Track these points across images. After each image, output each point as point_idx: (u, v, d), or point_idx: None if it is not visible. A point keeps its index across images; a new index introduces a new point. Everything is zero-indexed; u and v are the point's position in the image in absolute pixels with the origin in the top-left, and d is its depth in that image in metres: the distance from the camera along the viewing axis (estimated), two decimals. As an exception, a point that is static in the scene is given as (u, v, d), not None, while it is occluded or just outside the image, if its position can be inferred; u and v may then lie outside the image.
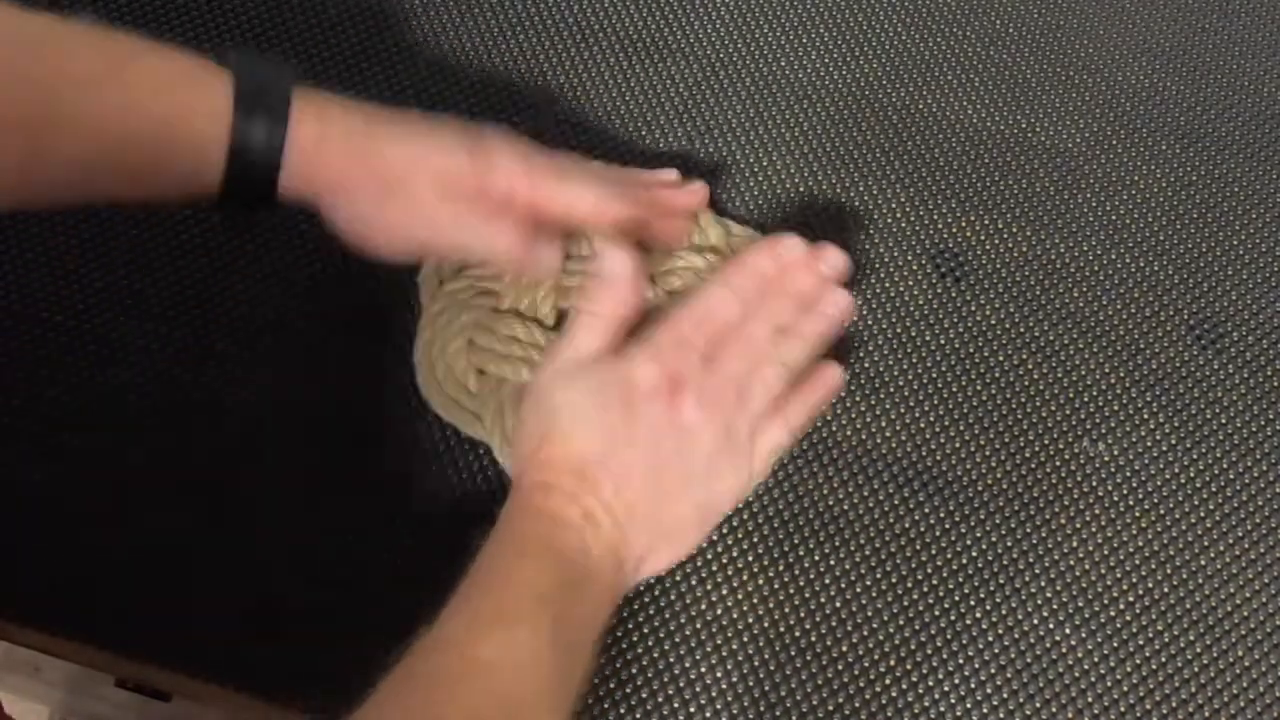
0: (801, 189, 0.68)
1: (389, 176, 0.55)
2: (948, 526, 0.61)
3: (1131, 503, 0.62)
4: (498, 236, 0.57)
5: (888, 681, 0.58)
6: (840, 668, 0.58)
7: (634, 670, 0.58)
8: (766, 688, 0.58)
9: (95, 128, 0.52)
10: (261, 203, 0.55)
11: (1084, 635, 0.59)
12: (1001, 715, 0.58)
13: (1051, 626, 0.59)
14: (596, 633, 0.52)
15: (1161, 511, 0.62)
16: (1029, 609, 0.60)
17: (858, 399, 0.63)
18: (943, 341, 0.65)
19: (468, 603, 0.49)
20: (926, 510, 0.61)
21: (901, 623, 0.59)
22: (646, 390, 0.53)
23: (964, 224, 0.68)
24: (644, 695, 0.57)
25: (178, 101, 0.53)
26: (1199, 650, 0.59)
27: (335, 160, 0.55)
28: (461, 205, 0.56)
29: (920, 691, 0.58)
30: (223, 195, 0.54)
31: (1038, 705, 0.58)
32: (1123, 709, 0.58)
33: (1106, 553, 0.61)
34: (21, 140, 0.51)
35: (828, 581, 0.60)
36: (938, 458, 0.62)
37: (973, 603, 0.60)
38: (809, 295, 0.57)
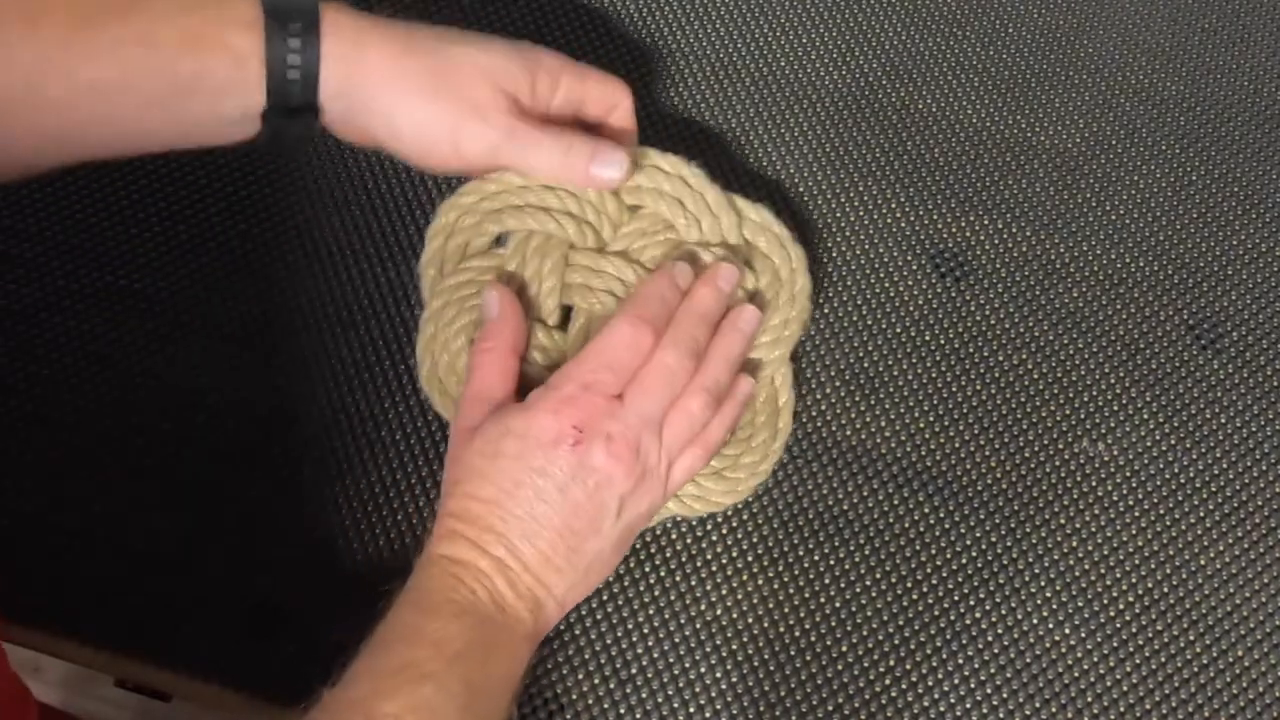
0: (801, 189, 0.68)
1: (439, 66, 0.55)
2: (948, 526, 0.61)
3: (1131, 503, 0.62)
4: (537, 145, 0.57)
5: (888, 681, 0.58)
6: (840, 668, 0.58)
7: (634, 670, 0.58)
8: (766, 688, 0.58)
9: (123, 50, 0.51)
10: (306, 110, 0.54)
11: (1084, 635, 0.59)
12: (1001, 715, 0.58)
13: (1051, 626, 0.59)
14: (515, 687, 0.51)
15: (1161, 511, 0.62)
16: (1029, 609, 0.60)
17: (858, 399, 0.63)
18: (943, 341, 0.65)
19: (372, 660, 0.48)
20: (926, 510, 0.61)
21: (901, 623, 0.59)
22: (548, 442, 0.52)
23: (964, 224, 0.68)
24: (644, 695, 0.57)
25: (205, 16, 0.52)
26: (1199, 650, 0.59)
27: (381, 51, 0.54)
28: (510, 105, 0.56)
29: (920, 691, 0.58)
30: (267, 107, 0.53)
31: (1037, 705, 0.58)
32: (1123, 709, 0.58)
33: (1106, 553, 0.61)
34: (51, 73, 0.50)
35: (827, 581, 0.60)
36: (938, 458, 0.62)
37: (973, 603, 0.60)
38: (714, 314, 0.57)
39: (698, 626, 0.59)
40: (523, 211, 0.60)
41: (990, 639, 0.59)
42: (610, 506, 0.53)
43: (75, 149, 0.55)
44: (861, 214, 0.68)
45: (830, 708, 0.57)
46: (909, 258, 0.67)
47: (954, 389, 0.64)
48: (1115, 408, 0.64)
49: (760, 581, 0.60)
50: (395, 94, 0.55)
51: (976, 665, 0.58)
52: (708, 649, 0.58)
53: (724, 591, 0.59)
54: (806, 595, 0.59)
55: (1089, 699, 0.58)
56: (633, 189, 0.61)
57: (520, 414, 0.53)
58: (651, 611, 0.59)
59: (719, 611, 0.59)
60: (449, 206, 0.61)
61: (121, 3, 0.52)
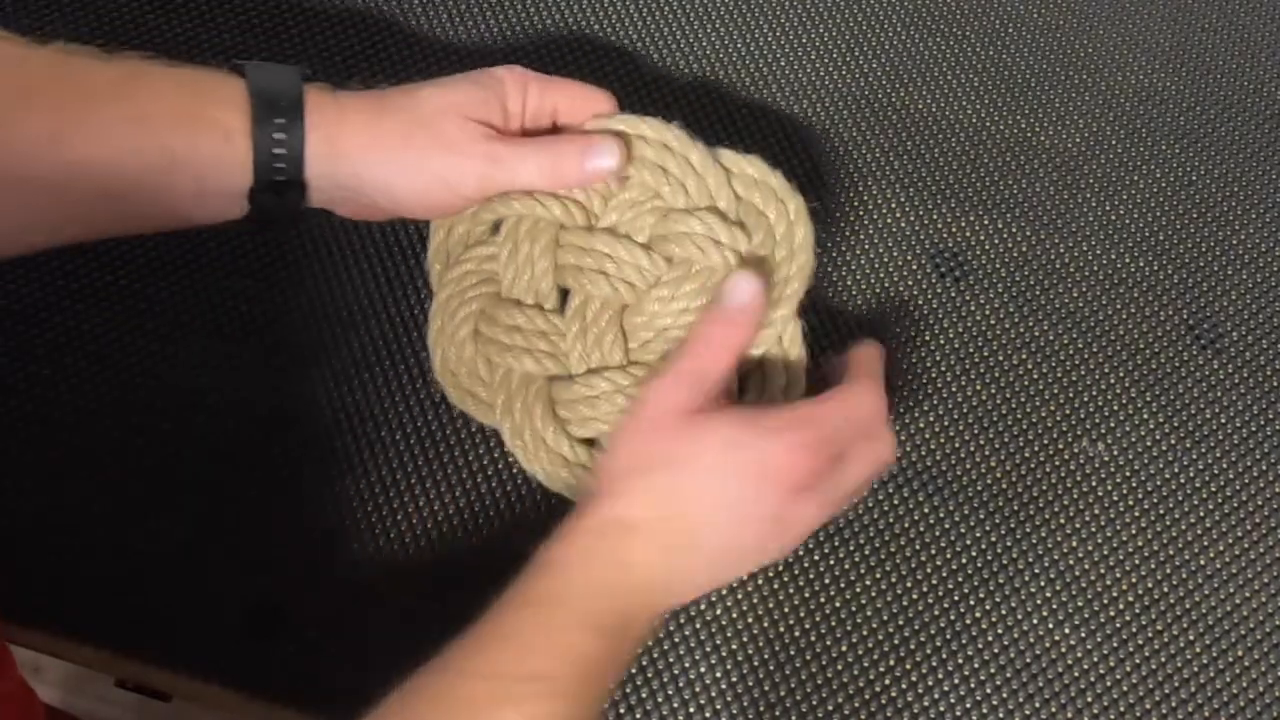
0: (801, 189, 0.68)
1: (412, 119, 0.56)
2: (948, 526, 0.61)
3: (1131, 503, 0.62)
4: (524, 161, 0.57)
5: (887, 681, 0.58)
6: (840, 668, 0.58)
7: (634, 670, 0.58)
8: (766, 688, 0.58)
9: (115, 128, 0.52)
10: (292, 187, 0.55)
11: (1084, 635, 0.59)
12: (1001, 715, 0.58)
13: (1051, 626, 0.59)
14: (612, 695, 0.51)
15: (1161, 511, 0.62)
16: (1029, 609, 0.60)
17: (858, 399, 0.63)
18: (943, 341, 0.65)
19: (501, 656, 0.47)
20: (926, 510, 0.61)
21: (901, 623, 0.59)
22: (782, 481, 0.51)
23: (964, 224, 0.68)
24: (644, 695, 0.57)
25: (196, 99, 0.53)
26: (1199, 650, 0.59)
27: (358, 121, 0.55)
28: (485, 133, 0.57)
29: (920, 691, 0.58)
30: (255, 183, 0.54)
31: (1037, 705, 0.58)
32: (1123, 709, 0.58)
33: (1106, 553, 0.61)
34: (45, 153, 0.51)
35: (827, 581, 0.60)
36: (938, 458, 0.62)
37: (973, 603, 0.60)
38: None
39: (697, 626, 0.59)
40: (508, 196, 0.59)
41: (990, 639, 0.59)
42: (779, 550, 0.52)
43: (65, 229, 0.55)
44: (861, 214, 0.68)
45: (830, 708, 0.57)
46: (909, 258, 0.67)
47: (954, 389, 0.64)
48: (1115, 408, 0.64)
49: (760, 581, 0.60)
50: (380, 161, 0.56)
51: (976, 665, 0.58)
52: (708, 649, 0.58)
53: (724, 591, 0.59)
54: (806, 595, 0.59)
55: (1089, 699, 0.58)
56: None
57: (768, 436, 0.51)
58: (651, 611, 0.59)
59: (719, 611, 0.59)
60: None
61: (115, 84, 0.52)
